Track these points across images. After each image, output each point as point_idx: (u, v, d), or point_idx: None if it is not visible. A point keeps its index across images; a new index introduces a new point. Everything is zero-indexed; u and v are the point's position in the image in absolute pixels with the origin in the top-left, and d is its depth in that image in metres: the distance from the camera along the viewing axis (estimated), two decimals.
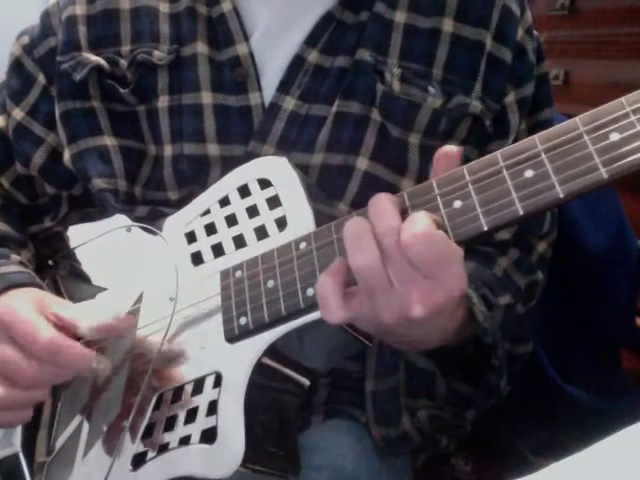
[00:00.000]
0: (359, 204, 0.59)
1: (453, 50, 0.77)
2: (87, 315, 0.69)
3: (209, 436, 0.63)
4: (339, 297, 0.55)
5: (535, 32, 0.83)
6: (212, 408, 0.64)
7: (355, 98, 0.77)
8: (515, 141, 0.67)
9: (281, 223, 0.67)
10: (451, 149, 0.56)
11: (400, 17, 0.78)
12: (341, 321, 0.55)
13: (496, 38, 0.78)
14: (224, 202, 0.72)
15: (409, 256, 0.52)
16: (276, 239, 0.66)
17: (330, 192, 0.75)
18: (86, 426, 0.73)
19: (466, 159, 0.58)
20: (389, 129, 0.77)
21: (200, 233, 0.73)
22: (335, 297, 0.55)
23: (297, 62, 0.78)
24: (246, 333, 0.64)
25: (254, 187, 0.70)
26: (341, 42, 0.78)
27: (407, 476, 0.86)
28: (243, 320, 0.64)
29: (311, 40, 0.78)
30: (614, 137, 0.50)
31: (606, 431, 0.46)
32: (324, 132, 0.77)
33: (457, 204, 0.55)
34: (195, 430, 0.65)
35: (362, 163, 0.77)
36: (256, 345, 0.64)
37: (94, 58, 0.81)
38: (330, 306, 0.55)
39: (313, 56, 0.78)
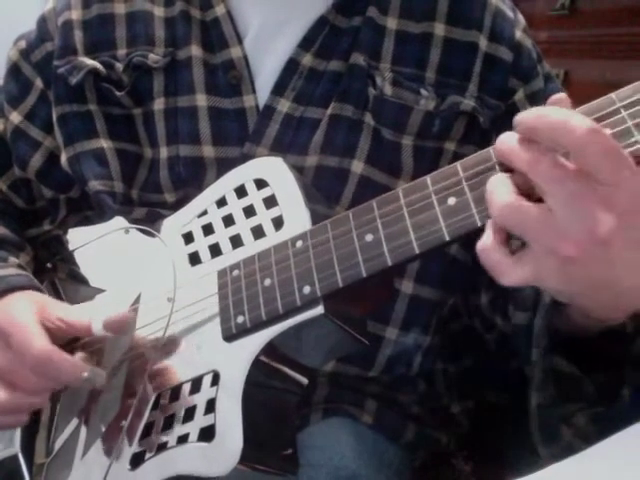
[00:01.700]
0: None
1: (445, 53, 0.78)
2: (91, 314, 0.70)
3: (207, 434, 0.63)
4: (507, 255, 0.50)
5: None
6: (210, 406, 0.64)
7: (349, 101, 0.78)
8: None
9: (278, 222, 0.67)
10: (560, 97, 0.52)
11: (392, 23, 0.78)
12: (520, 279, 0.50)
13: (491, 38, 0.79)
14: (221, 203, 0.72)
15: (583, 160, 0.46)
16: (273, 238, 0.66)
17: (326, 195, 0.76)
18: (85, 427, 0.74)
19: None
20: (382, 132, 0.78)
21: (197, 234, 0.73)
22: (504, 256, 0.50)
23: (291, 65, 0.78)
24: (243, 332, 0.64)
25: (251, 187, 0.70)
26: (335, 46, 0.79)
27: (406, 476, 0.86)
28: (240, 319, 0.64)
29: (305, 44, 0.78)
30: (607, 132, 0.50)
31: (606, 431, 0.46)
32: (319, 134, 0.77)
33: (451, 201, 0.55)
34: (193, 428, 0.65)
35: (357, 167, 0.78)
36: (254, 343, 0.64)
37: (90, 62, 0.82)
38: (502, 265, 0.50)
39: (307, 59, 0.78)
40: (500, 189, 0.50)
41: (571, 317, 0.62)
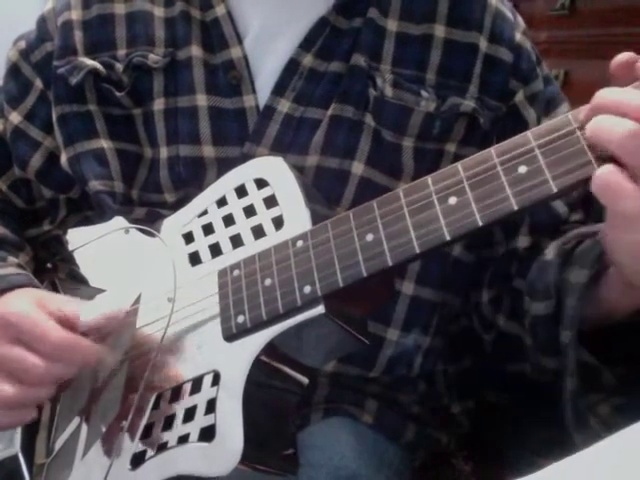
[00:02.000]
0: None
1: (446, 54, 0.79)
2: (88, 310, 0.70)
3: (208, 434, 0.63)
4: (630, 180, 0.49)
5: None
6: (210, 406, 0.64)
7: (350, 102, 0.78)
8: None
9: (278, 222, 0.67)
10: (630, 56, 0.53)
11: (392, 25, 0.79)
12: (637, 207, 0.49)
13: (491, 39, 0.80)
14: (221, 202, 0.72)
15: None
16: (273, 238, 0.66)
17: (326, 196, 0.76)
18: (85, 427, 0.74)
19: None
20: (382, 134, 0.78)
21: (198, 233, 0.73)
22: (626, 180, 0.49)
23: (292, 65, 0.79)
24: (244, 331, 0.64)
25: (251, 187, 0.70)
26: (336, 47, 0.79)
27: (406, 475, 0.86)
28: (241, 318, 0.64)
29: (306, 44, 0.79)
30: None
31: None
32: (319, 135, 0.77)
33: (452, 200, 0.55)
34: (194, 428, 0.65)
35: (358, 168, 0.78)
36: (254, 343, 0.64)
37: (90, 62, 0.82)
38: (624, 190, 0.49)
39: (308, 60, 0.78)
40: (622, 121, 0.50)
41: (602, 302, 0.64)
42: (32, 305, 0.69)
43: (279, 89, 0.79)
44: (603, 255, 0.64)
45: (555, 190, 0.51)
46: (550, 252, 0.74)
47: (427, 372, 0.88)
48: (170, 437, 0.66)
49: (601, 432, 0.68)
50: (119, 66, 0.82)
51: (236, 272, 0.67)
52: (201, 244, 0.72)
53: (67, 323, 0.69)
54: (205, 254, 0.71)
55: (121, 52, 0.82)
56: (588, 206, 0.81)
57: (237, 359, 0.64)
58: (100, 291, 0.82)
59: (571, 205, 0.80)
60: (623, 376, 0.70)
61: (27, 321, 0.67)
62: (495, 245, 0.83)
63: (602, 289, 0.65)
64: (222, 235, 0.71)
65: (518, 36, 0.82)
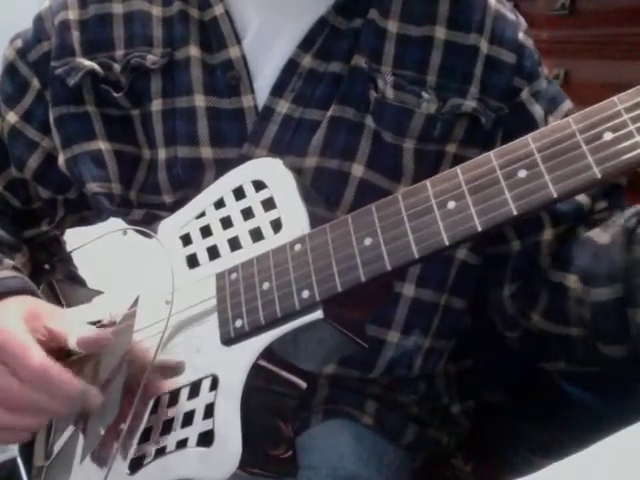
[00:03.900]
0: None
1: (446, 56, 0.79)
2: (79, 326, 0.68)
3: (206, 439, 0.63)
4: None
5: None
6: (209, 411, 0.64)
7: (350, 104, 0.78)
8: None
9: (276, 225, 0.67)
10: None
11: (392, 27, 0.78)
12: None
13: (492, 41, 0.80)
14: (219, 204, 0.72)
15: None
16: (271, 241, 0.66)
17: (326, 198, 0.76)
18: (83, 430, 0.73)
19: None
20: (383, 135, 0.78)
21: (195, 235, 0.72)
22: None
23: (291, 66, 0.78)
24: (242, 335, 0.64)
25: (249, 189, 0.70)
26: (335, 48, 0.78)
27: (406, 476, 0.86)
28: (239, 322, 0.64)
29: (305, 45, 0.78)
30: (607, 136, 0.50)
31: (606, 431, 0.46)
32: (318, 136, 0.77)
33: (451, 204, 0.55)
34: (192, 433, 0.64)
35: (358, 170, 0.78)
36: (252, 347, 0.64)
37: (88, 63, 0.82)
38: None
39: (307, 60, 0.78)
40: None
41: None
42: (20, 322, 0.67)
43: (278, 90, 0.78)
44: None
45: (555, 195, 0.51)
46: (603, 236, 0.74)
47: (427, 373, 0.88)
48: (168, 442, 0.66)
49: None
50: (117, 67, 0.81)
51: (234, 275, 0.66)
52: (199, 246, 0.72)
53: (55, 342, 0.67)
54: (203, 256, 0.71)
55: (119, 53, 0.82)
56: (611, 197, 0.81)
57: (235, 363, 0.64)
58: (98, 293, 0.82)
59: (594, 196, 0.80)
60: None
61: (12, 344, 0.64)
62: (508, 242, 0.83)
63: None
64: (220, 237, 0.70)
65: (521, 35, 0.82)
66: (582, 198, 0.80)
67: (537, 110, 0.82)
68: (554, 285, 0.79)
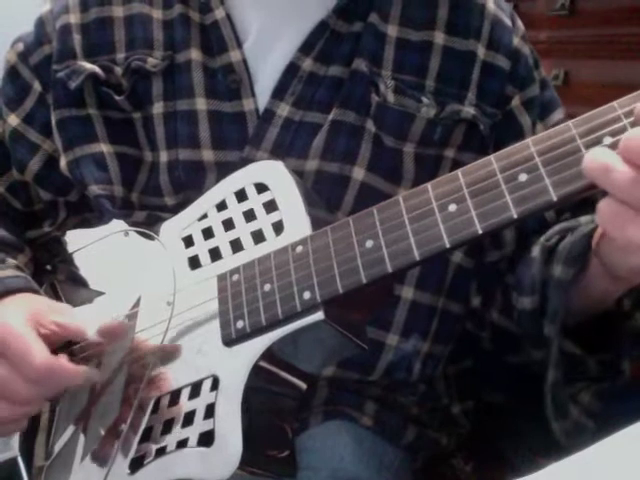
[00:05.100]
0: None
1: (445, 62, 0.79)
2: (87, 320, 0.69)
3: (206, 439, 0.63)
4: (629, 211, 0.49)
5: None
6: (209, 411, 0.64)
7: (351, 108, 0.78)
8: None
9: (278, 227, 0.67)
10: None
11: (392, 31, 0.79)
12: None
13: (489, 47, 0.80)
14: (221, 206, 0.72)
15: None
16: (273, 243, 0.66)
17: (327, 201, 0.76)
18: (84, 430, 0.74)
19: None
20: (383, 139, 0.78)
21: (197, 237, 0.73)
22: (626, 210, 0.49)
23: (291, 69, 0.78)
24: (243, 337, 0.64)
25: (251, 191, 0.70)
26: (335, 51, 0.79)
27: (406, 477, 0.86)
28: (240, 324, 0.64)
29: (305, 48, 0.79)
30: (607, 140, 0.51)
31: (606, 431, 0.46)
32: (319, 139, 0.77)
33: (452, 207, 0.55)
34: (192, 433, 0.65)
35: (358, 173, 0.78)
36: (253, 348, 0.64)
37: (89, 66, 0.82)
38: (625, 220, 0.49)
39: (307, 64, 0.78)
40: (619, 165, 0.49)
41: (591, 291, 0.67)
42: (23, 319, 0.68)
43: (279, 93, 0.79)
44: (588, 251, 0.66)
45: (555, 199, 0.51)
46: (535, 249, 0.76)
47: (427, 376, 0.88)
48: (169, 441, 0.66)
49: (581, 420, 0.72)
50: (118, 70, 0.81)
51: (235, 277, 0.67)
52: (201, 248, 0.72)
53: (59, 337, 0.68)
54: (205, 258, 0.71)
55: (120, 56, 0.82)
56: (576, 209, 0.80)
57: (236, 364, 0.64)
58: (99, 294, 0.82)
59: (557, 210, 0.81)
60: (608, 362, 0.72)
61: (15, 340, 0.66)
62: (488, 251, 0.84)
63: (590, 281, 0.67)
64: (222, 239, 0.71)
65: (516, 41, 0.82)
66: (547, 214, 0.80)
67: (526, 120, 0.82)
68: (506, 287, 0.82)
